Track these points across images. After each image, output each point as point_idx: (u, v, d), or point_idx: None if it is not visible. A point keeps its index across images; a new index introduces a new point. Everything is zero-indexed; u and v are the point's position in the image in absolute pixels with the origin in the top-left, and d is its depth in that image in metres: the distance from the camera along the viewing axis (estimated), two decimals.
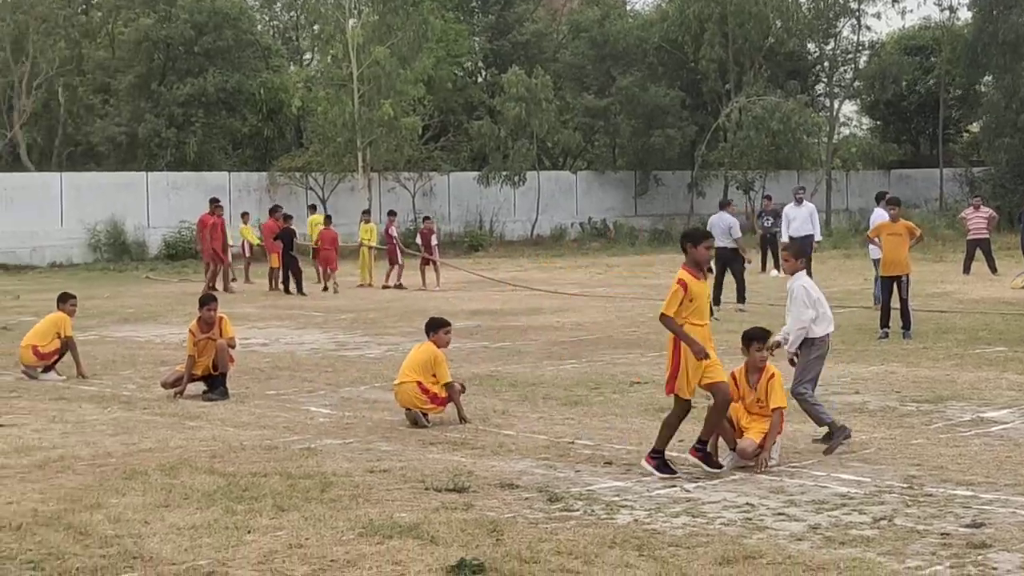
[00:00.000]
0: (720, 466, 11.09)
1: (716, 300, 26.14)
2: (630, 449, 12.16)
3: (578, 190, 59.72)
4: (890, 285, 20.97)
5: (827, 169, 61.25)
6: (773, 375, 11.35)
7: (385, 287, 34.77)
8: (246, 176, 52.72)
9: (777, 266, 34.53)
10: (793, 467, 11.34)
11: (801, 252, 13.57)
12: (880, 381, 16.23)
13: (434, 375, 13.60)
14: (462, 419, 13.61)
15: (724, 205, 27.51)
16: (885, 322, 20.93)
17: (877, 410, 14.16)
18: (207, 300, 16.00)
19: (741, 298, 26.11)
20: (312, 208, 44.45)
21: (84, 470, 11.33)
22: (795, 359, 12.24)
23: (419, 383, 13.52)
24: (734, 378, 11.58)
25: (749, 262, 27.27)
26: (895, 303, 20.92)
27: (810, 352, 12.21)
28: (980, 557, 8.40)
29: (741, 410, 11.43)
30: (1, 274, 43.72)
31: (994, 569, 8.13)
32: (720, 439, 11.44)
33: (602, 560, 8.35)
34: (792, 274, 12.47)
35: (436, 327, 13.98)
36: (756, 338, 11.51)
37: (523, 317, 25.55)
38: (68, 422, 13.88)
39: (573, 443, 12.52)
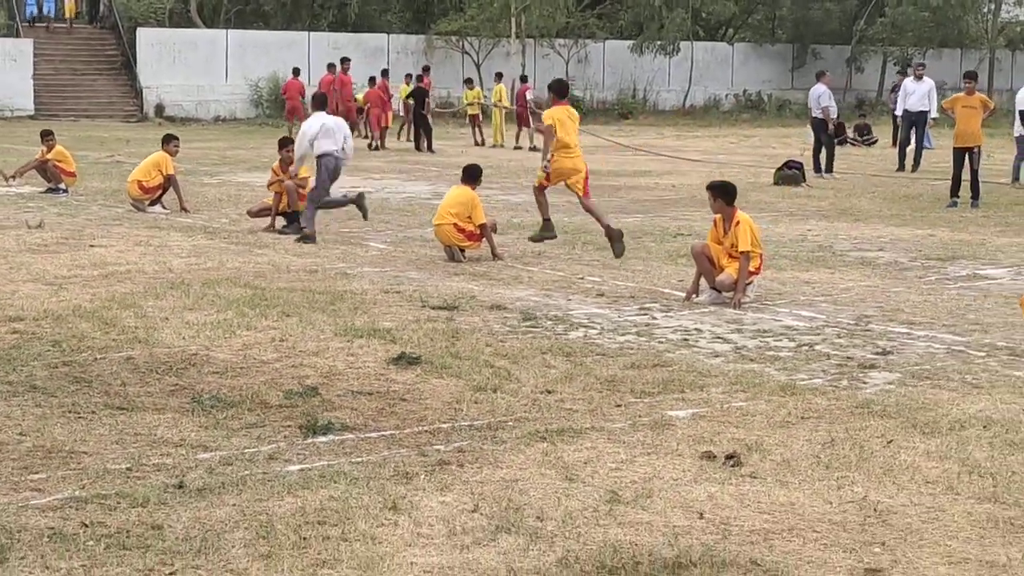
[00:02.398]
0: None
1: (816, 167, 27.02)
2: (630, 286, 13.43)
3: (734, 61, 59.97)
4: (962, 156, 21.68)
5: (991, 48, 60.44)
6: (739, 222, 12.46)
7: (517, 148, 36.12)
8: (404, 39, 54.21)
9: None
10: (766, 304, 12.48)
11: (319, 102, 17.45)
12: (913, 242, 17.12)
13: (469, 216, 14.97)
14: (495, 255, 15.00)
15: (819, 75, 28.28)
16: (955, 191, 21.66)
17: (883, 264, 15.14)
18: (286, 142, 17.57)
19: (828, 167, 26.92)
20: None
21: (141, 281, 13.00)
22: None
23: (455, 224, 14.91)
24: (715, 224, 12.74)
25: (832, 130, 27.87)
26: (965, 174, 21.63)
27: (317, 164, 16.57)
28: (861, 375, 9.55)
29: (722, 251, 12.59)
30: (167, 126, 46.02)
31: (864, 384, 9.27)
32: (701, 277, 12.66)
33: (527, 361, 9.71)
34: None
35: (477, 176, 15.34)
36: (710, 188, 12.67)
37: (625, 178, 26.72)
38: (151, 246, 15.60)
39: (583, 279, 13.82)
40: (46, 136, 21.63)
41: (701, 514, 6.37)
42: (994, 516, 6.39)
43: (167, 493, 6.56)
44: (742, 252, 12.34)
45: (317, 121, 16.70)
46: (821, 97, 27.00)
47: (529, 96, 36.68)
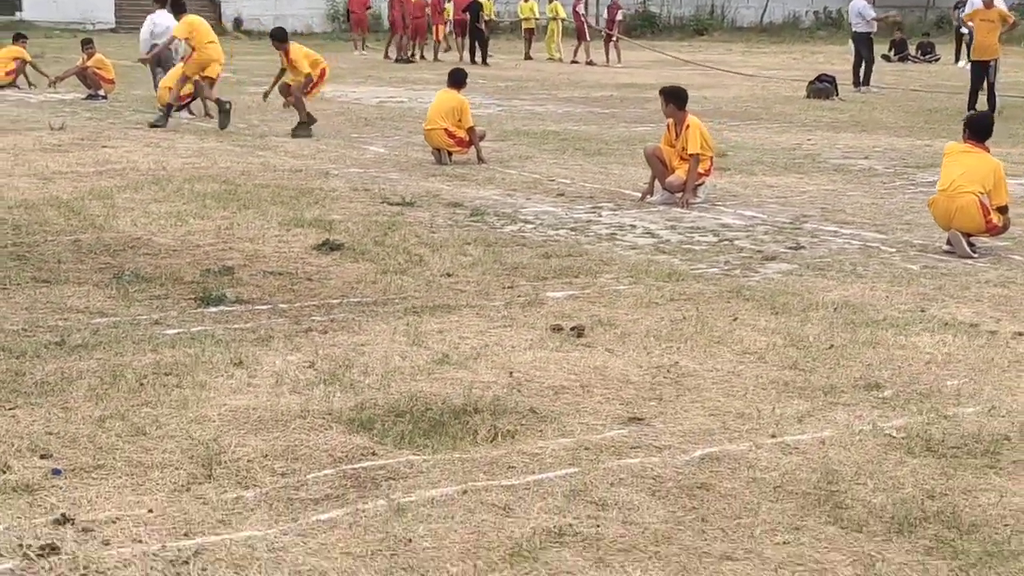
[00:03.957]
0: None
1: (856, 81, 27.25)
2: (595, 187, 14.01)
3: None
4: (980, 69, 21.85)
5: None
6: (689, 125, 12.99)
7: (574, 62, 36.61)
8: None
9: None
10: (715, 205, 13.01)
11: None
12: (905, 152, 17.47)
13: (459, 120, 15.60)
14: (480, 159, 15.63)
15: None
16: (972, 104, 21.88)
17: (857, 171, 15.56)
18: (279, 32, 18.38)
19: (866, 80, 27.13)
20: None
21: (131, 177, 13.82)
22: None
23: (446, 130, 15.55)
24: (668, 127, 13.28)
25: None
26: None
27: None
28: (758, 266, 10.10)
29: (673, 154, 13.14)
30: (244, 40, 47.00)
31: (755, 273, 9.82)
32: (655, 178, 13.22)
33: (446, 250, 10.35)
34: None
35: (463, 81, 15.94)
36: (662, 92, 13.20)
37: None
38: (159, 147, 16.42)
39: (553, 180, 14.41)
40: (86, 44, 22.60)
41: (511, 372, 7.02)
42: (779, 380, 6.98)
43: (46, 348, 7.33)
44: (691, 154, 12.87)
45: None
46: (864, 10, 27.20)
47: (580, 10, 37.09)
